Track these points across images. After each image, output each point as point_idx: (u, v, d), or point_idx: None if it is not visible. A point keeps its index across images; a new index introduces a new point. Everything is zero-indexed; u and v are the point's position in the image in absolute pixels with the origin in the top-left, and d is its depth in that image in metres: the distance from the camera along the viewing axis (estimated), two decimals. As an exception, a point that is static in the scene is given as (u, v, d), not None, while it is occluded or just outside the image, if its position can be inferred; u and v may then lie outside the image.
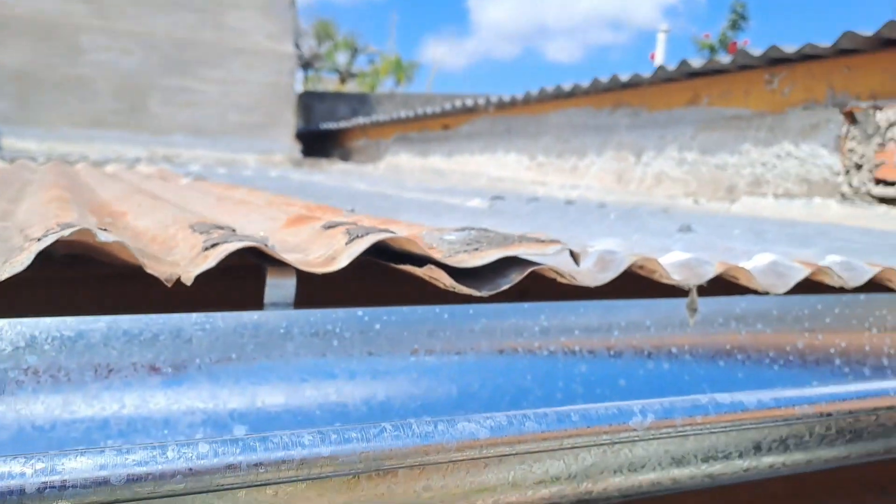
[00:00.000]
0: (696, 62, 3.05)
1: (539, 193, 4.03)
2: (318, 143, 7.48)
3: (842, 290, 1.08)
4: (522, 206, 2.31)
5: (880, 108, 2.43)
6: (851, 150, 2.52)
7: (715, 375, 1.01)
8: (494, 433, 0.63)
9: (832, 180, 2.61)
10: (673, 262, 1.00)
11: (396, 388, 0.76)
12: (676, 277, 0.95)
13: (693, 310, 0.93)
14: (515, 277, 0.83)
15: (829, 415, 0.91)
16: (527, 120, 4.37)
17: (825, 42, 2.53)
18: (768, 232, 1.55)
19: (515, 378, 0.89)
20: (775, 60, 2.81)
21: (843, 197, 2.56)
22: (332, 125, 7.32)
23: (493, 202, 2.37)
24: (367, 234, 0.80)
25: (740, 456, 0.82)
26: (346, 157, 7.00)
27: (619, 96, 3.65)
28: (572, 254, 0.88)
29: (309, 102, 8.01)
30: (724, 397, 0.71)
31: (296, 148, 6.68)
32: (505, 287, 0.82)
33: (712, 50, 11.48)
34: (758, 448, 0.85)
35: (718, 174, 3.09)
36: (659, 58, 11.08)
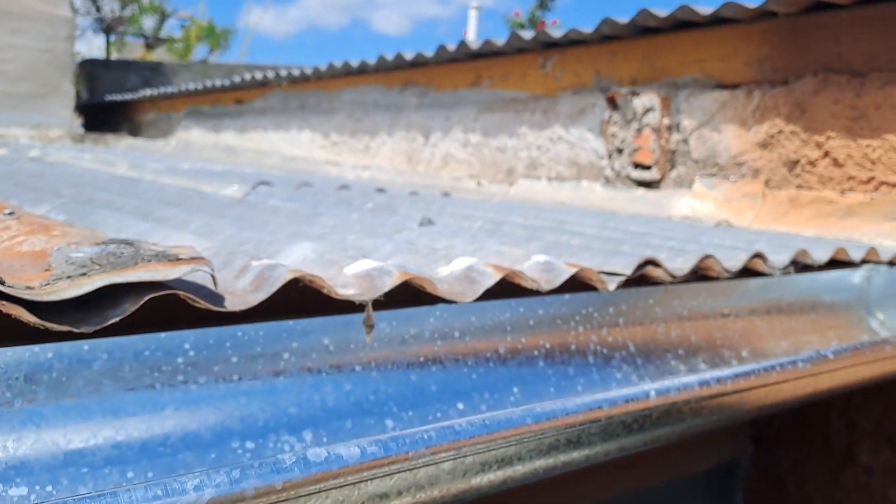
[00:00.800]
0: (475, 43, 3.03)
1: (332, 174, 3.90)
2: (104, 116, 6.86)
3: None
4: (286, 194, 2.17)
5: (637, 95, 2.52)
6: (613, 135, 2.61)
7: (405, 392, 0.94)
8: None
9: (598, 164, 2.69)
10: (357, 273, 0.91)
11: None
12: (350, 291, 0.86)
13: (370, 326, 0.85)
14: (130, 307, 0.70)
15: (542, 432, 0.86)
16: (320, 96, 4.21)
17: (588, 28, 2.59)
18: (505, 224, 1.52)
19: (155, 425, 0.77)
20: (547, 45, 2.85)
21: (607, 180, 2.65)
22: (118, 97, 6.73)
23: (255, 189, 2.21)
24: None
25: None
26: (135, 131, 6.47)
27: (407, 75, 3.58)
28: (213, 275, 0.76)
29: (94, 71, 7.31)
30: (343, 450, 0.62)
31: (76, 122, 6.07)
32: (115, 320, 0.69)
33: (521, 28, 11.81)
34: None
35: (499, 156, 3.11)
36: (471, 34, 11.24)
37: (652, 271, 1.17)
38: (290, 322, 0.86)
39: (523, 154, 2.99)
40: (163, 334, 0.78)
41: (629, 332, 1.20)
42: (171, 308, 0.78)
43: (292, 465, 0.55)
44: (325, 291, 0.83)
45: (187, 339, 0.79)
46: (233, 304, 0.77)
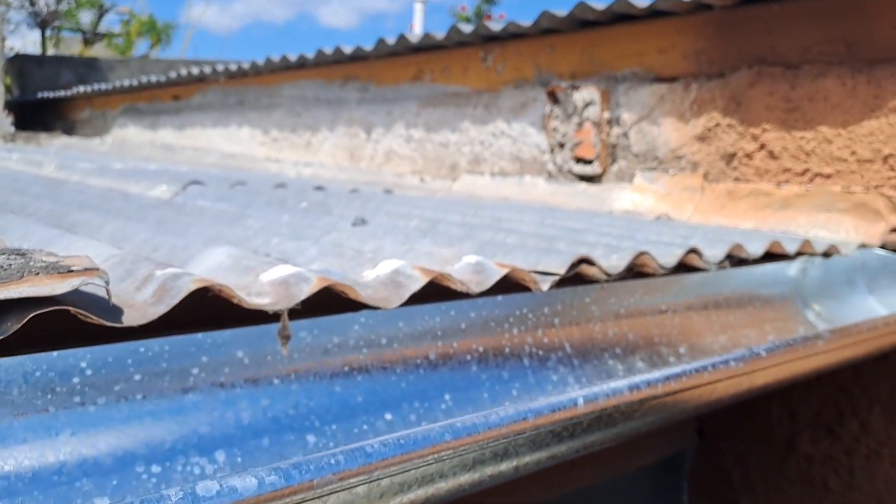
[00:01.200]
0: (416, 37, 2.99)
1: (272, 171, 3.81)
2: (36, 114, 6.60)
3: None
4: (217, 194, 2.09)
5: (577, 88, 2.50)
6: (555, 129, 2.59)
7: (328, 404, 0.90)
8: None
9: (540, 158, 2.67)
10: (273, 280, 0.86)
11: None
12: (264, 300, 0.81)
13: (285, 337, 0.80)
14: (13, 326, 0.64)
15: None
16: (259, 92, 4.11)
17: (527, 21, 2.56)
18: (441, 223, 1.48)
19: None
20: (487, 38, 2.81)
21: (550, 175, 2.63)
22: (52, 94, 6.48)
23: (185, 189, 2.13)
24: None
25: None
26: (69, 130, 6.24)
27: (348, 70, 3.51)
28: (107, 288, 0.70)
29: (25, 67, 7.02)
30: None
31: (6, 120, 5.83)
32: (-6, 341, 0.63)
33: (468, 22, 11.78)
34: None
35: (442, 152, 3.07)
36: (417, 28, 11.18)
37: (586, 269, 1.15)
38: (200, 335, 0.81)
39: (466, 149, 2.96)
40: (56, 353, 0.72)
41: (565, 332, 1.17)
42: (65, 324, 0.72)
43: (179, 503, 0.49)
44: (235, 301, 0.77)
45: (83, 357, 0.73)
46: (131, 318, 0.72)
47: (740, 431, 2.11)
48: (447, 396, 0.98)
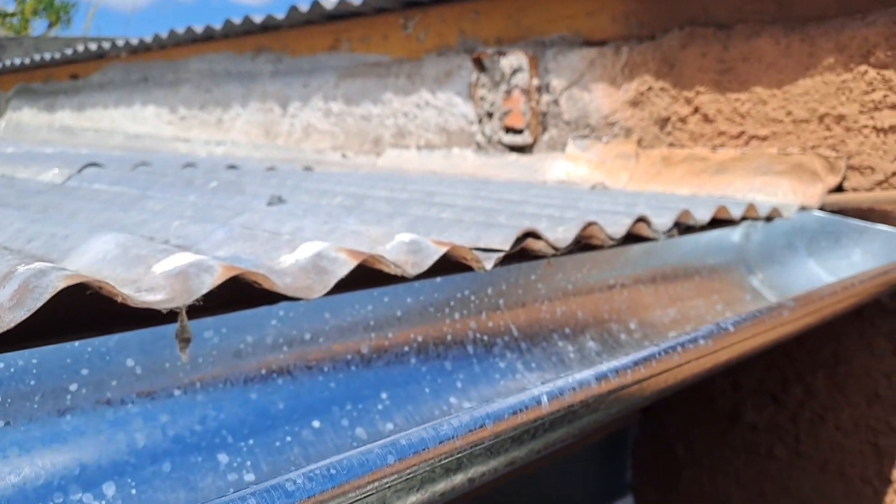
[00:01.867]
0: (331, 4, 2.81)
1: (181, 151, 3.57)
2: (-82, 97, 6.06)
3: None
4: (116, 176, 1.89)
5: (504, 55, 2.39)
6: (482, 98, 2.47)
7: (243, 415, 0.76)
8: None
9: (468, 129, 2.55)
10: (168, 271, 0.71)
11: None
12: (157, 297, 0.66)
13: (185, 340, 0.65)
14: None
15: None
16: (165, 67, 3.84)
17: (449, -16, 2.43)
18: (368, 199, 1.34)
19: None
20: (409, 3, 2.66)
21: (479, 146, 2.51)
22: (-66, 75, 5.96)
23: (81, 172, 1.92)
24: None
25: None
26: (-43, 114, 5.76)
27: (260, 40, 3.30)
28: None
29: None
30: None
31: None
32: None
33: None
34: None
35: (364, 125, 2.91)
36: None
37: (532, 244, 1.03)
38: (78, 344, 0.66)
39: (390, 122, 2.81)
40: None
41: (511, 314, 1.06)
42: None
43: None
44: (119, 300, 0.63)
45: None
46: (-20, 329, 0.56)
47: (683, 404, 2.07)
48: (384, 395, 0.85)
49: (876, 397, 1.76)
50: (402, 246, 0.91)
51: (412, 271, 0.86)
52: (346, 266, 0.80)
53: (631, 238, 1.23)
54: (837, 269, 1.76)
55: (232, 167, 2.38)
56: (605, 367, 0.70)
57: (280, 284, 0.74)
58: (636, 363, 0.73)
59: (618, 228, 1.18)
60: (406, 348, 0.91)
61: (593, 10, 2.24)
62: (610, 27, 2.21)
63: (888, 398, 1.74)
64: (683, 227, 1.36)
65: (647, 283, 1.34)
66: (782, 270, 1.73)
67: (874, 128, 1.72)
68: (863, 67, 1.71)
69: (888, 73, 1.68)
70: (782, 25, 1.85)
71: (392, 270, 0.84)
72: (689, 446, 2.07)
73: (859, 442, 1.81)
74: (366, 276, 0.85)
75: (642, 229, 1.23)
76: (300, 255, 0.83)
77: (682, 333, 0.84)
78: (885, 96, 1.69)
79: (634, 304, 1.29)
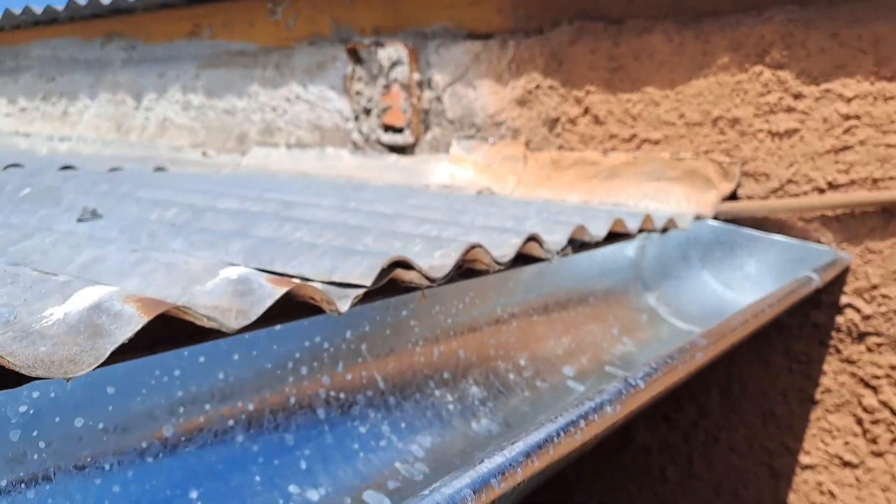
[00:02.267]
0: (189, -16, 2.50)
1: (20, 147, 3.15)
2: None
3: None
4: None
5: (382, 46, 2.18)
6: (359, 93, 2.26)
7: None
8: None
9: (343, 127, 2.33)
10: None
11: None
12: None
13: None
14: None
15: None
16: (2, 53, 3.39)
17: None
18: (209, 212, 1.10)
19: None
20: (276, -14, 2.40)
21: (356, 146, 2.29)
22: None
23: None
24: None
25: None
26: None
27: (109, 25, 2.94)
28: None
29: None
30: None
31: None
32: None
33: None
34: None
35: (228, 120, 2.63)
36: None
37: (402, 275, 0.83)
38: None
39: (256, 117, 2.54)
40: None
41: (377, 362, 0.86)
42: None
43: None
44: None
45: None
46: None
47: (574, 424, 1.93)
48: (193, 494, 0.63)
49: (772, 416, 1.68)
50: (227, 285, 0.69)
51: (235, 323, 0.64)
52: (132, 324, 0.57)
53: (521, 259, 1.05)
54: (732, 280, 1.66)
55: (67, 167, 2.05)
56: (485, 467, 0.51)
57: (23, 360, 0.51)
58: (528, 454, 0.54)
59: (506, 250, 1.00)
60: (231, 422, 0.69)
61: (477, 0, 2.06)
62: (496, 19, 2.04)
63: (784, 417, 1.66)
64: (578, 244, 1.19)
65: (538, 311, 1.17)
66: (678, 285, 1.62)
67: (769, 132, 1.63)
68: (758, 68, 1.62)
69: (784, 74, 1.59)
70: (675, 21, 1.74)
71: (204, 324, 0.62)
72: (580, 471, 1.94)
73: (754, 463, 1.72)
74: (170, 331, 0.62)
75: (534, 249, 1.06)
76: (71, 308, 0.59)
77: (583, 399, 0.66)
78: (780, 98, 1.60)
79: (525, 335, 1.11)
